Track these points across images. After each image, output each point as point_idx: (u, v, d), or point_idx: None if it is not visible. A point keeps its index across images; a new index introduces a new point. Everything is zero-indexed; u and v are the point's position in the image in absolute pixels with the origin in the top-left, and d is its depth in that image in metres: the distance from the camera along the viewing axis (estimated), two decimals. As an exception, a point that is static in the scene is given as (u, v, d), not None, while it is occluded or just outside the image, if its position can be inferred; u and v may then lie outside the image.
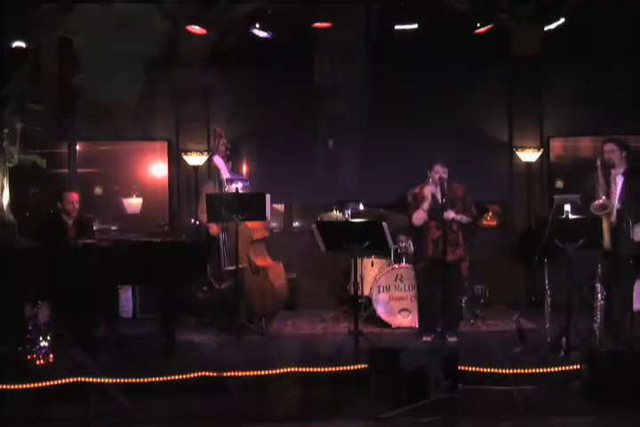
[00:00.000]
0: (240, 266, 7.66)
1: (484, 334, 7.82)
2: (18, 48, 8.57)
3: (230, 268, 7.66)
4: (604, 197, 6.82)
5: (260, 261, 8.02)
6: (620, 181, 6.98)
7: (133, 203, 10.03)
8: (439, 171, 7.29)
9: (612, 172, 6.97)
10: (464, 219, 7.37)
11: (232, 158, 8.21)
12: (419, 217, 7.40)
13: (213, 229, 7.91)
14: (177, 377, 6.14)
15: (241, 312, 7.58)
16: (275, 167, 9.57)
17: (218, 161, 7.89)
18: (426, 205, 7.33)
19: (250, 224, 7.81)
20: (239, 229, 7.52)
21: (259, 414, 5.71)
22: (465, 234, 7.45)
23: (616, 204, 6.90)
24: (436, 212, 7.26)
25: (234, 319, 7.38)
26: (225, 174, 7.87)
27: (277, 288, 8.05)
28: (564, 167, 9.98)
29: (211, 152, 8.78)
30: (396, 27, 8.78)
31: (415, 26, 8.74)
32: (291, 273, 8.80)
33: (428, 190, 7.32)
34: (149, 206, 10.05)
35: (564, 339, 6.51)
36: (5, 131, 8.28)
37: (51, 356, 6.48)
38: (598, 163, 6.92)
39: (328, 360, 6.40)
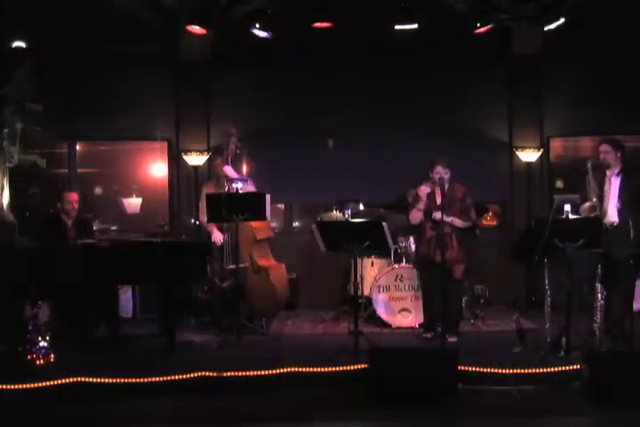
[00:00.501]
0: (242, 265, 7.67)
1: (484, 334, 7.82)
2: (18, 48, 8.58)
3: (232, 266, 7.66)
4: (594, 199, 6.88)
5: (262, 262, 8.02)
6: (615, 181, 6.99)
7: (133, 203, 10.02)
8: (440, 171, 7.30)
9: (608, 172, 7.00)
10: (457, 221, 7.35)
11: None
12: (414, 217, 7.45)
13: (216, 236, 7.87)
14: (177, 377, 6.13)
15: (241, 312, 7.59)
16: (275, 167, 9.57)
17: (229, 171, 7.86)
18: (421, 205, 7.37)
19: (254, 224, 7.81)
20: (243, 229, 7.55)
21: (259, 414, 5.71)
22: (460, 236, 7.41)
23: (612, 204, 6.91)
24: (431, 212, 7.29)
25: (234, 319, 7.38)
26: (236, 183, 7.86)
27: (279, 289, 8.04)
28: (564, 167, 9.97)
29: (215, 152, 8.63)
30: (396, 27, 8.78)
31: (415, 26, 8.74)
32: (291, 273, 8.79)
33: (423, 191, 7.34)
34: (149, 206, 10.04)
35: (563, 339, 6.50)
36: (5, 131, 8.29)
37: (51, 356, 6.48)
38: (589, 165, 6.96)
39: (328, 360, 6.39)
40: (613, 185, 6.97)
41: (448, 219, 7.24)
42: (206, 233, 8.15)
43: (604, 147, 7.04)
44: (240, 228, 7.65)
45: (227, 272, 7.78)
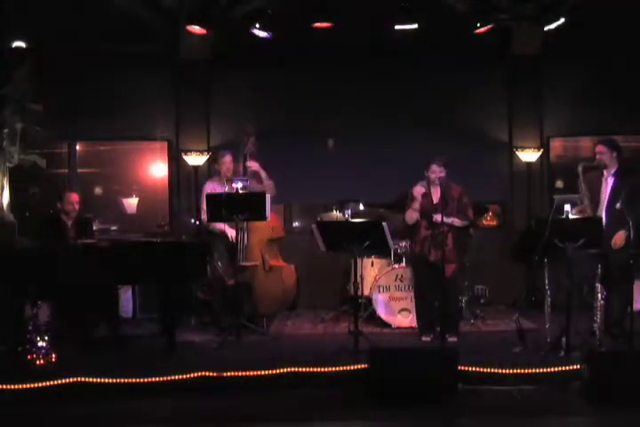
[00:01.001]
0: (253, 263, 7.74)
1: (484, 334, 7.82)
2: (18, 48, 8.58)
3: (244, 264, 7.67)
4: (585, 203, 6.96)
5: (273, 261, 8.01)
6: (610, 181, 7.01)
7: (132, 203, 10.03)
8: (435, 170, 7.31)
9: (605, 173, 7.04)
10: (456, 222, 7.34)
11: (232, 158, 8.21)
12: (410, 216, 7.45)
13: (229, 232, 7.80)
14: (177, 377, 6.13)
15: (245, 309, 7.62)
16: (275, 167, 9.54)
17: (255, 166, 7.87)
18: (416, 205, 7.37)
19: (269, 223, 7.82)
20: (258, 227, 7.66)
21: (259, 414, 5.71)
22: (456, 236, 7.39)
23: (605, 204, 6.94)
24: (428, 212, 7.29)
25: (234, 319, 7.38)
26: (266, 180, 7.86)
27: (288, 289, 8.03)
28: (564, 167, 9.95)
29: (222, 150, 8.55)
30: (396, 27, 8.77)
31: (415, 26, 8.73)
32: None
33: (418, 191, 7.34)
34: (149, 206, 10.04)
35: (563, 339, 6.51)
36: (5, 131, 8.29)
37: (51, 356, 6.48)
38: (580, 169, 6.98)
39: (328, 360, 6.39)
40: (609, 186, 7.00)
41: (448, 220, 7.23)
42: (207, 232, 8.09)
43: (599, 147, 7.08)
44: (255, 226, 7.68)
45: (236, 270, 7.73)
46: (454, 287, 7.43)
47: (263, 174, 7.94)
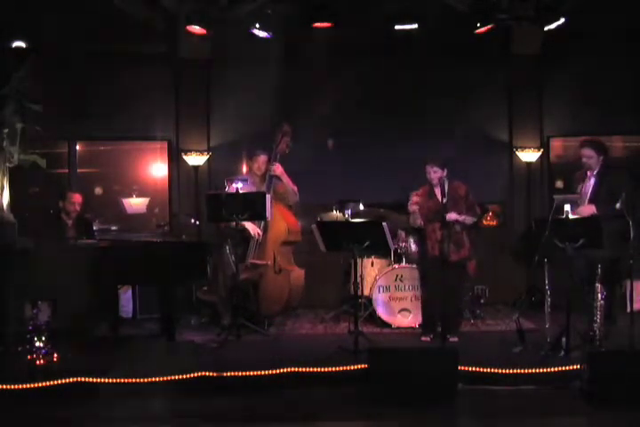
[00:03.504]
0: (264, 262, 7.75)
1: (484, 334, 7.82)
2: (18, 48, 8.58)
3: (254, 261, 7.67)
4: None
5: (284, 263, 7.98)
6: (592, 180, 7.04)
7: (135, 203, 10.03)
8: (429, 171, 7.32)
9: (588, 173, 7.07)
10: (468, 219, 7.35)
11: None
12: (413, 221, 7.44)
13: (253, 229, 7.78)
14: (177, 377, 6.14)
15: (249, 307, 7.64)
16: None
17: (278, 170, 7.84)
18: (416, 218, 7.36)
19: (289, 225, 7.82)
20: (276, 226, 7.69)
21: (259, 414, 5.71)
22: (469, 233, 7.43)
23: (586, 203, 6.97)
24: (438, 213, 7.26)
25: (235, 319, 7.38)
26: (289, 186, 7.84)
27: (294, 292, 8.00)
28: (564, 167, 9.94)
29: (264, 152, 8.14)
30: (396, 27, 8.78)
31: (415, 26, 8.74)
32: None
33: (412, 208, 7.34)
34: (149, 206, 10.06)
35: (564, 339, 6.51)
36: (5, 131, 8.28)
37: (51, 356, 6.47)
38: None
39: (328, 360, 6.40)
40: (590, 185, 7.02)
41: (460, 218, 7.25)
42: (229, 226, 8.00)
43: (587, 151, 7.04)
44: (273, 226, 7.72)
45: (246, 266, 7.71)
46: (461, 287, 7.42)
47: (285, 179, 7.91)
